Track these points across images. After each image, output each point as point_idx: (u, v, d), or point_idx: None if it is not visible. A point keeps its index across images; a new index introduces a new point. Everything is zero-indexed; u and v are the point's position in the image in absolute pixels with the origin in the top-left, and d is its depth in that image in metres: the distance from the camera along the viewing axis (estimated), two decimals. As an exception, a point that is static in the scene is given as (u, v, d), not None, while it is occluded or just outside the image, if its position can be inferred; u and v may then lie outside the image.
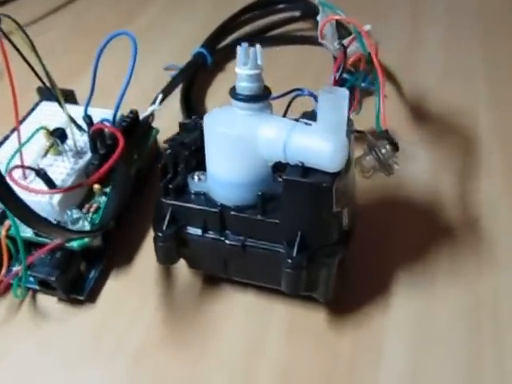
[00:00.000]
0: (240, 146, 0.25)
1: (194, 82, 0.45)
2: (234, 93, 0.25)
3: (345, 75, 0.41)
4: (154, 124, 0.37)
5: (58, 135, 0.30)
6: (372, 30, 0.30)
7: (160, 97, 0.37)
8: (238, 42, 0.31)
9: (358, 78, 0.40)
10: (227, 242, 0.27)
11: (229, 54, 0.47)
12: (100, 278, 0.31)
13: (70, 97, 0.35)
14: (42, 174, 0.28)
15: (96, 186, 0.31)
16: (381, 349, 0.28)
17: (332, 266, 0.26)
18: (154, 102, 0.36)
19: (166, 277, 0.31)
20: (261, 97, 0.25)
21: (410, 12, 0.56)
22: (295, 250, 0.25)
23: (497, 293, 0.30)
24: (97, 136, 0.31)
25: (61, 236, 0.27)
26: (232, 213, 0.27)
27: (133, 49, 0.28)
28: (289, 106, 0.28)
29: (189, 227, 0.28)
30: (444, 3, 0.57)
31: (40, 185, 0.29)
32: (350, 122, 0.26)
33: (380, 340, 0.28)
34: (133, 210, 0.34)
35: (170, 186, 0.27)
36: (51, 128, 0.31)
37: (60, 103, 0.30)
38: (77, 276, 0.30)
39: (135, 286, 0.31)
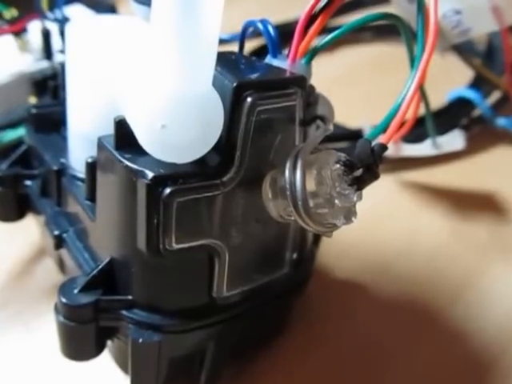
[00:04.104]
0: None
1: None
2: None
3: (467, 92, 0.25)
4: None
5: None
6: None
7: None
8: None
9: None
10: (51, 224, 0.17)
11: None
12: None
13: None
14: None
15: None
16: None
17: (137, 347, 0.14)
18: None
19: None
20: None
21: None
22: (79, 286, 0.14)
23: None
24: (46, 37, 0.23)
25: None
26: (64, 180, 0.17)
27: None
28: (242, 45, 0.16)
29: (30, 181, 0.18)
30: None
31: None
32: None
33: None
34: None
35: (33, 111, 0.18)
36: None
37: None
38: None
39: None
